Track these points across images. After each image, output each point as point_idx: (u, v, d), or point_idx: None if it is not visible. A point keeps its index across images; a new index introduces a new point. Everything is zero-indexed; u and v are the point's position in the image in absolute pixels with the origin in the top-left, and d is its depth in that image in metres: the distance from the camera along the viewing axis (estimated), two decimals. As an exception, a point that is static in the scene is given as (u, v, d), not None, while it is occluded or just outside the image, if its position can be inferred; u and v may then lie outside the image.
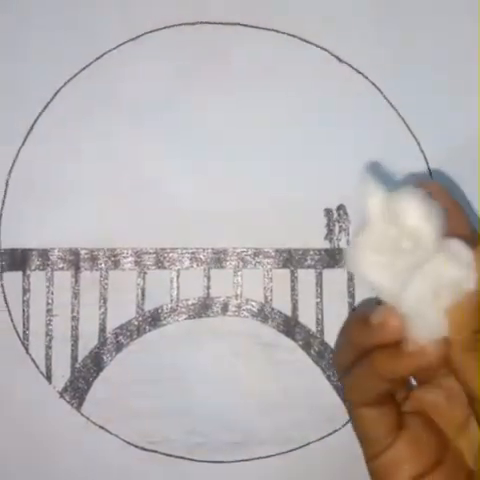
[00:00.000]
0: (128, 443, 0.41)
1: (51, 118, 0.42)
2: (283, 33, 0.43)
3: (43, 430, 0.40)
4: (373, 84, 0.43)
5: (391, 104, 0.43)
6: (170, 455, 0.41)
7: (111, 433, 0.41)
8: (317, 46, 0.43)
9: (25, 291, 0.41)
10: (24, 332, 0.41)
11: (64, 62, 0.42)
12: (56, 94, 0.42)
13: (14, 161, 0.42)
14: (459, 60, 0.43)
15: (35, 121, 0.42)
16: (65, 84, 0.42)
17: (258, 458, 0.41)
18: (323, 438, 0.41)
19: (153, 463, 0.41)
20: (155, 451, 0.41)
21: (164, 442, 0.41)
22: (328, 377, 0.42)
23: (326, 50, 0.43)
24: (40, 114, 0.42)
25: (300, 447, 0.41)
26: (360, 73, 0.43)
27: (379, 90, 0.43)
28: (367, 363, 0.27)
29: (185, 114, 0.42)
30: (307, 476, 0.41)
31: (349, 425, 0.41)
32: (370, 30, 0.43)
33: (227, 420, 0.41)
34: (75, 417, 0.41)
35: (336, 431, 0.41)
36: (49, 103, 0.42)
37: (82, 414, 0.41)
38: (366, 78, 0.43)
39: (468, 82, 0.43)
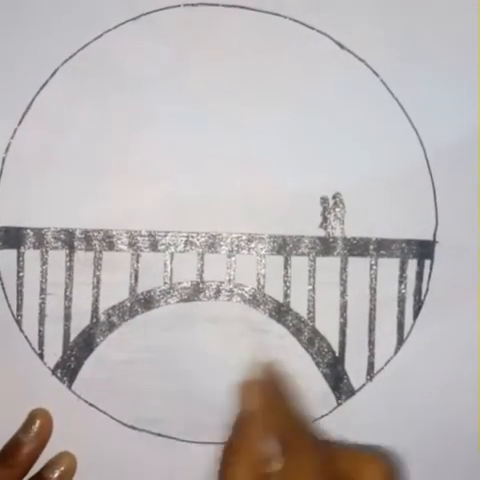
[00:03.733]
0: (118, 422, 0.41)
1: (49, 97, 0.42)
2: (285, 17, 0.42)
3: (34, 407, 0.41)
4: (374, 72, 0.43)
5: (391, 93, 0.43)
6: (160, 435, 0.41)
7: (101, 411, 0.41)
8: (319, 32, 0.42)
9: (19, 269, 0.41)
10: (17, 310, 0.41)
11: (62, 41, 0.42)
12: (54, 73, 0.42)
13: (11, 140, 0.42)
14: (462, 50, 0.43)
15: (32, 100, 0.42)
16: (63, 63, 0.42)
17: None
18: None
19: (143, 442, 0.41)
20: (145, 430, 0.41)
21: (154, 422, 0.41)
22: (317, 364, 0.42)
23: (328, 36, 0.42)
24: (38, 93, 0.42)
25: (287, 431, 0.42)
26: (362, 61, 0.43)
27: (380, 78, 0.43)
28: None
29: (184, 96, 0.42)
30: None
31: (338, 410, 0.42)
32: (373, 18, 0.43)
33: (217, 403, 0.41)
34: (66, 395, 0.41)
35: (325, 416, 0.42)
36: (47, 82, 0.42)
37: (73, 392, 0.41)
38: (367, 66, 0.43)
39: (470, 72, 0.43)
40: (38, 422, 0.38)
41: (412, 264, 0.43)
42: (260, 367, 0.30)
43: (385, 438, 0.42)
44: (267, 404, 0.28)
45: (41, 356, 0.41)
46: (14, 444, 0.36)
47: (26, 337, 0.41)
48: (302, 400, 0.30)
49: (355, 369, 0.42)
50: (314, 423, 0.28)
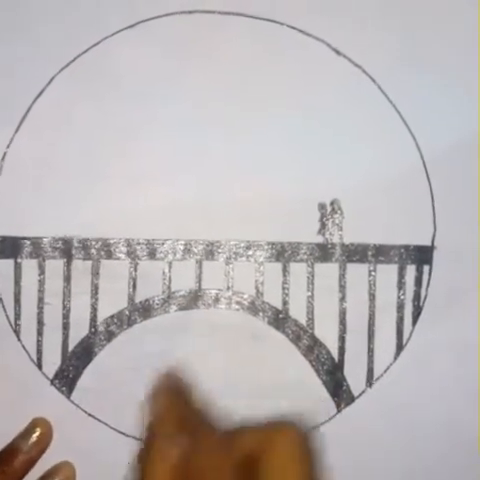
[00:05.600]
0: (117, 431, 0.41)
1: (46, 105, 0.41)
2: (282, 24, 0.42)
3: (33, 417, 0.41)
4: (371, 78, 0.43)
5: (388, 98, 0.43)
6: (158, 443, 0.41)
7: (100, 421, 0.41)
8: (316, 38, 0.42)
9: (17, 279, 0.41)
10: (16, 320, 0.41)
11: (59, 48, 0.41)
12: (51, 81, 0.41)
13: (8, 148, 0.41)
14: (460, 56, 0.43)
15: (29, 108, 0.41)
16: (61, 71, 0.42)
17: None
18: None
19: (141, 451, 0.41)
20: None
21: (153, 431, 0.41)
22: (317, 371, 0.42)
23: (325, 42, 0.42)
24: (35, 100, 0.41)
25: (287, 439, 0.41)
26: (358, 67, 0.43)
27: (377, 84, 0.43)
28: None
29: (182, 103, 0.42)
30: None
31: (336, 418, 0.42)
32: (370, 25, 0.43)
33: (215, 411, 0.41)
34: (65, 404, 0.41)
35: (325, 423, 0.42)
36: (44, 90, 0.41)
37: (72, 401, 0.41)
38: (364, 72, 0.43)
39: (468, 80, 0.43)
40: (38, 430, 0.38)
41: (411, 270, 0.43)
42: (161, 376, 0.31)
43: (385, 444, 0.42)
44: (171, 411, 0.29)
45: (39, 366, 0.41)
46: (11, 450, 0.36)
47: (24, 347, 0.41)
48: (202, 398, 0.31)
49: (354, 376, 0.42)
50: (219, 417, 0.28)
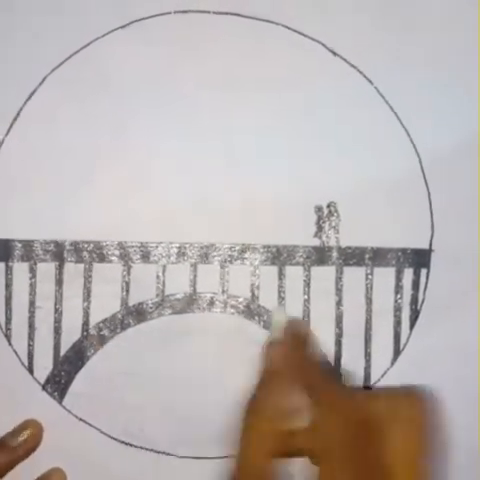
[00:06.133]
0: (109, 437, 0.41)
1: (37, 107, 0.41)
2: (277, 24, 0.42)
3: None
4: (368, 79, 0.42)
5: (385, 100, 0.42)
6: (152, 450, 0.41)
7: (92, 426, 0.41)
8: (312, 39, 0.42)
9: (8, 282, 0.40)
10: (6, 324, 0.40)
11: (51, 49, 0.41)
12: (43, 81, 0.41)
13: (-1, 149, 0.41)
14: (457, 57, 0.42)
15: (20, 109, 0.41)
16: (52, 71, 0.41)
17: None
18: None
19: (134, 457, 0.41)
20: (137, 446, 0.41)
21: (146, 437, 0.41)
22: (313, 375, 0.42)
23: (321, 43, 0.42)
24: (26, 102, 0.41)
25: (282, 445, 0.41)
26: (355, 68, 0.42)
27: (373, 85, 0.42)
28: None
29: (176, 104, 0.41)
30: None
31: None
32: (366, 25, 0.42)
33: (210, 416, 0.41)
34: (57, 409, 0.40)
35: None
36: (35, 90, 0.41)
37: (64, 407, 0.40)
38: (361, 73, 0.42)
39: (466, 81, 0.42)
40: (29, 430, 0.37)
41: (408, 273, 0.42)
42: (283, 327, 0.30)
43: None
44: (290, 362, 0.29)
45: (31, 371, 0.40)
46: None
47: (15, 351, 0.40)
48: (325, 355, 0.30)
49: (351, 380, 0.41)
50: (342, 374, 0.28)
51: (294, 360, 0.29)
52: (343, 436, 0.26)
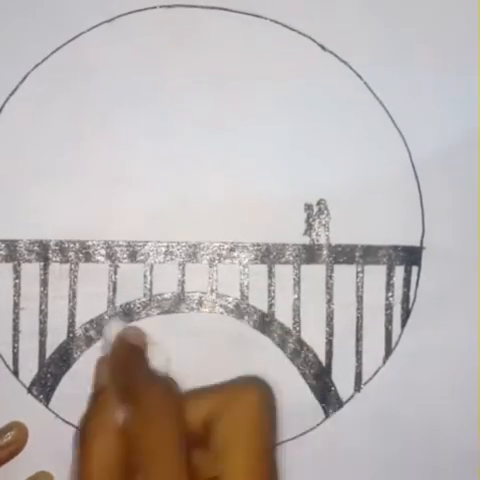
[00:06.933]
0: (97, 440, 0.40)
1: (19, 103, 0.40)
2: (266, 19, 0.41)
3: (9, 426, 0.39)
4: (357, 74, 0.42)
5: (375, 96, 0.42)
6: (140, 452, 0.40)
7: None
8: (301, 33, 0.41)
9: (-9, 283, 0.40)
10: (-10, 325, 0.40)
11: (33, 44, 0.40)
12: (25, 78, 0.40)
13: (-19, 147, 0.40)
14: (449, 51, 0.42)
15: (2, 107, 0.40)
16: (35, 67, 0.40)
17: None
18: (297, 437, 0.41)
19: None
20: (125, 448, 0.40)
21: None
22: (304, 375, 0.41)
23: (310, 38, 0.41)
24: (7, 99, 0.40)
25: (273, 446, 0.40)
26: (344, 63, 0.42)
27: (363, 81, 0.42)
28: None
29: (161, 100, 0.41)
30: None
31: (323, 424, 0.41)
32: (356, 19, 0.42)
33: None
34: (43, 413, 0.40)
35: (311, 430, 0.41)
36: (17, 88, 0.40)
37: (50, 410, 0.40)
38: (351, 68, 0.42)
39: (460, 76, 0.42)
40: (14, 432, 0.37)
41: (399, 271, 0.42)
42: (111, 342, 0.30)
43: (374, 449, 0.41)
44: (115, 374, 0.29)
45: (16, 373, 0.40)
46: None
47: (0, 354, 0.40)
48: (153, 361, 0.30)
49: (343, 380, 0.41)
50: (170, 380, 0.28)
51: (116, 373, 0.28)
52: (166, 438, 0.25)
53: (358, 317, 0.41)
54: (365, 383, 0.41)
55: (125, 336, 0.31)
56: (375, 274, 0.42)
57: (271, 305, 0.41)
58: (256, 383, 0.28)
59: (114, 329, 0.31)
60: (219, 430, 0.26)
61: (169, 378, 0.29)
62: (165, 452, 0.25)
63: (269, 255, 0.41)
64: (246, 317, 0.41)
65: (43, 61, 0.40)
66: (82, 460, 0.26)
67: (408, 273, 0.42)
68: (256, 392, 0.27)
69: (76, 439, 0.27)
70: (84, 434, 0.26)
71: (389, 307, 0.42)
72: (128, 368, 0.29)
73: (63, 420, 0.40)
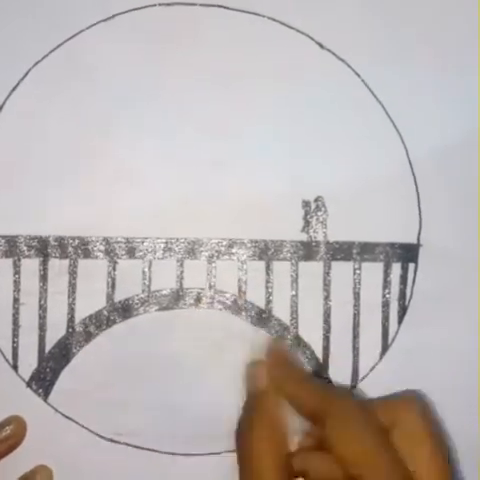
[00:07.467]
0: (96, 435, 0.40)
1: (19, 101, 0.40)
2: (264, 17, 0.41)
3: (8, 420, 0.40)
4: (355, 73, 0.42)
5: (373, 94, 0.42)
6: (139, 447, 0.40)
7: (79, 424, 0.40)
8: (299, 31, 0.42)
9: (-9, 279, 0.40)
10: (-10, 320, 0.40)
11: (33, 42, 0.40)
12: (25, 76, 0.40)
13: (-19, 144, 0.40)
14: (449, 52, 0.42)
15: (3, 104, 0.40)
16: (35, 65, 0.41)
17: (228, 451, 0.40)
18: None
19: (121, 455, 0.40)
20: (124, 443, 0.40)
21: (133, 434, 0.40)
22: (301, 371, 0.41)
23: (308, 36, 0.42)
24: (8, 96, 0.40)
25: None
26: (342, 61, 0.42)
27: (361, 79, 0.42)
28: None
29: (160, 98, 0.41)
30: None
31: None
32: (355, 17, 0.42)
33: (196, 413, 0.40)
34: (42, 407, 0.40)
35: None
36: (18, 85, 0.40)
37: (49, 404, 0.40)
38: (349, 66, 0.42)
39: (459, 74, 0.42)
40: (12, 426, 0.37)
41: (396, 268, 0.42)
42: (264, 348, 0.31)
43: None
44: (274, 379, 0.29)
45: (15, 368, 0.40)
46: None
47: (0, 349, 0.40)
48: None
49: (339, 376, 0.41)
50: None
51: (280, 377, 0.29)
52: (367, 447, 0.26)
53: (355, 314, 0.42)
54: (361, 379, 0.41)
55: (281, 348, 0.31)
56: (372, 271, 0.42)
57: (269, 301, 0.41)
58: (415, 395, 0.29)
59: (261, 337, 0.31)
60: (394, 436, 0.26)
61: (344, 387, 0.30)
62: (379, 460, 0.25)
63: (267, 252, 0.41)
64: (244, 313, 0.41)
65: (43, 59, 0.41)
66: (247, 462, 0.26)
67: (405, 270, 0.42)
68: (419, 405, 0.28)
69: (237, 441, 0.27)
70: (250, 438, 0.27)
71: (386, 304, 0.42)
72: (296, 377, 0.29)
73: (62, 415, 0.40)
